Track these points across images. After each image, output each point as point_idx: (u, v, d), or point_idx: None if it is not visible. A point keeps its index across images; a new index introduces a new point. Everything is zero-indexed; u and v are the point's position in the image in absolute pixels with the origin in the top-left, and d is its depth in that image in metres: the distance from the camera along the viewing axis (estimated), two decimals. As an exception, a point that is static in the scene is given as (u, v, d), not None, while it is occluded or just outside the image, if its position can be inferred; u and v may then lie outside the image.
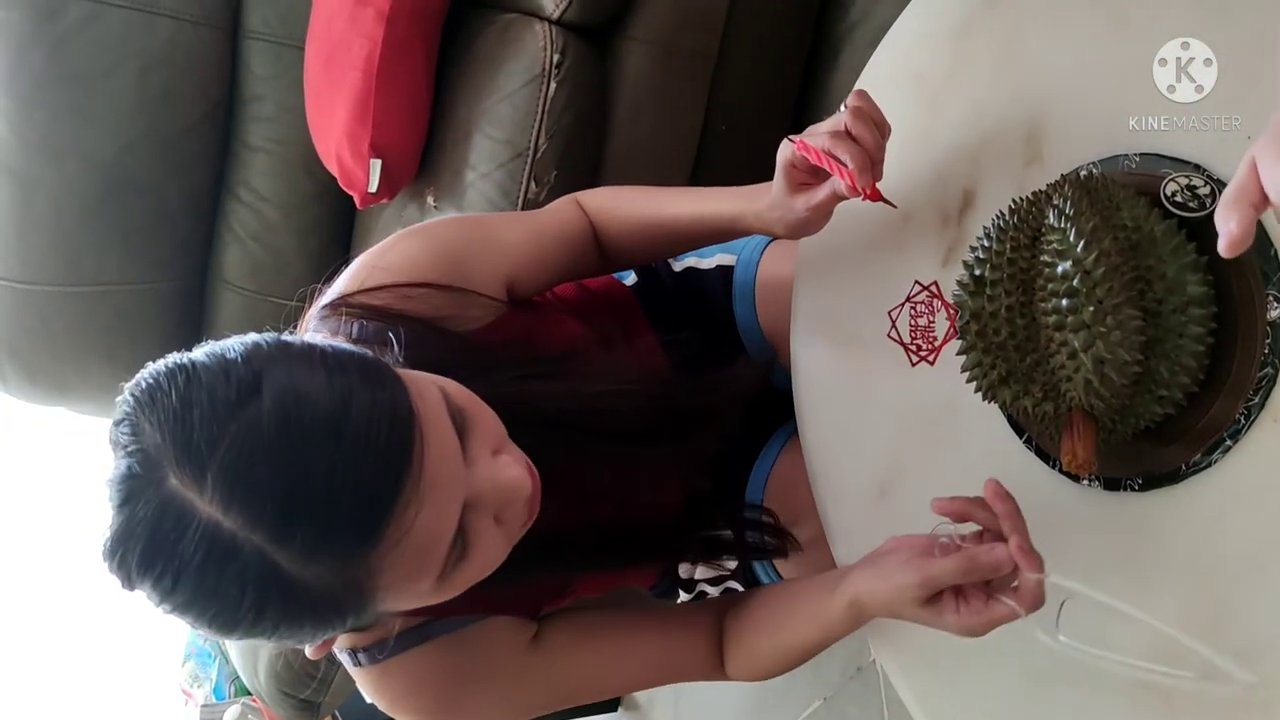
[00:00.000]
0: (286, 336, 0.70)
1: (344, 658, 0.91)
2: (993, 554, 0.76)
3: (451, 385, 0.75)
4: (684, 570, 1.15)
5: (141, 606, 0.72)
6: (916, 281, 0.88)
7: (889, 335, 0.88)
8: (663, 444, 0.96)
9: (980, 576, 0.77)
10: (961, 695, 0.90)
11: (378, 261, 0.92)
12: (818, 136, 0.87)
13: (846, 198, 0.88)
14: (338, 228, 1.88)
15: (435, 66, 1.58)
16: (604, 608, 1.03)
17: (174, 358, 0.67)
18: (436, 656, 0.90)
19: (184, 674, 2.31)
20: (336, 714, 1.90)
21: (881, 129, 0.86)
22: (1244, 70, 0.72)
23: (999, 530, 0.77)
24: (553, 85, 1.41)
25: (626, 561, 1.02)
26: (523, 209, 1.46)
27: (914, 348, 0.87)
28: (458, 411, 0.72)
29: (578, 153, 1.48)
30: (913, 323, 0.88)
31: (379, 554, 0.65)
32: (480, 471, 0.72)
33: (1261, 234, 0.70)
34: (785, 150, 0.91)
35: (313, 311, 0.91)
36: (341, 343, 0.74)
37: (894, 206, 0.88)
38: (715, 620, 1.03)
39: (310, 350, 0.68)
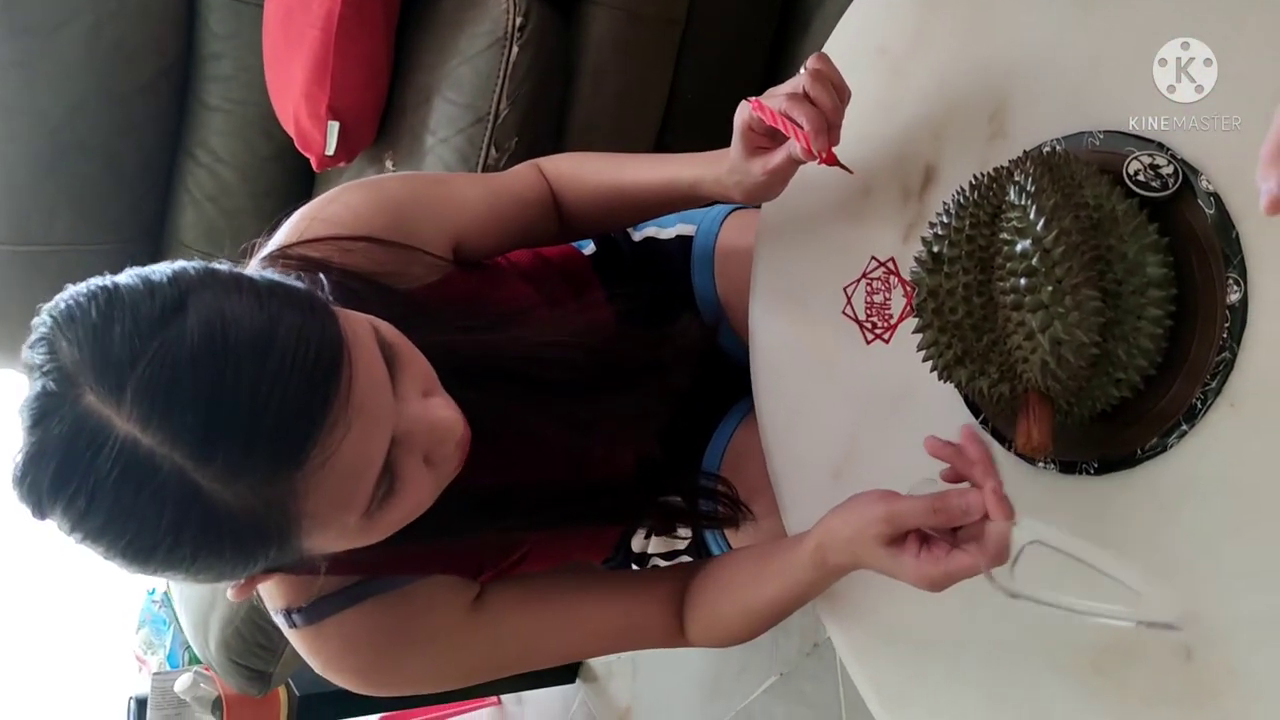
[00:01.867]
0: (215, 264, 0.68)
1: (279, 619, 0.89)
2: (964, 497, 0.74)
3: (383, 324, 0.73)
4: (637, 544, 1.14)
5: (96, 571, 0.69)
6: (873, 258, 0.86)
7: (844, 312, 0.86)
8: (607, 397, 0.94)
9: (948, 520, 0.74)
10: (913, 674, 0.89)
11: (319, 213, 0.90)
12: (775, 98, 0.85)
13: (803, 161, 0.87)
14: (296, 190, 1.84)
15: (395, 27, 1.54)
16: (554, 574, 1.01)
17: (96, 280, 0.65)
18: (373, 615, 0.88)
19: (138, 640, 2.28)
20: (289, 683, 1.88)
21: (841, 93, 0.85)
22: (1244, 70, 0.70)
23: (973, 479, 0.75)
24: (515, 49, 1.38)
25: (573, 522, 0.99)
26: (483, 175, 1.43)
27: (869, 325, 0.86)
28: (388, 347, 0.71)
29: (540, 119, 1.45)
30: (869, 299, 0.86)
31: (303, 476, 0.63)
32: (410, 409, 0.71)
33: (1223, 215, 0.69)
34: (743, 112, 0.89)
35: (253, 263, 0.87)
36: (272, 273, 0.71)
37: (850, 172, 0.87)
38: (673, 586, 1.02)
39: (239, 276, 0.66)
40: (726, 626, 0.98)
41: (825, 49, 0.98)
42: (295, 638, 0.89)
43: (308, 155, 1.56)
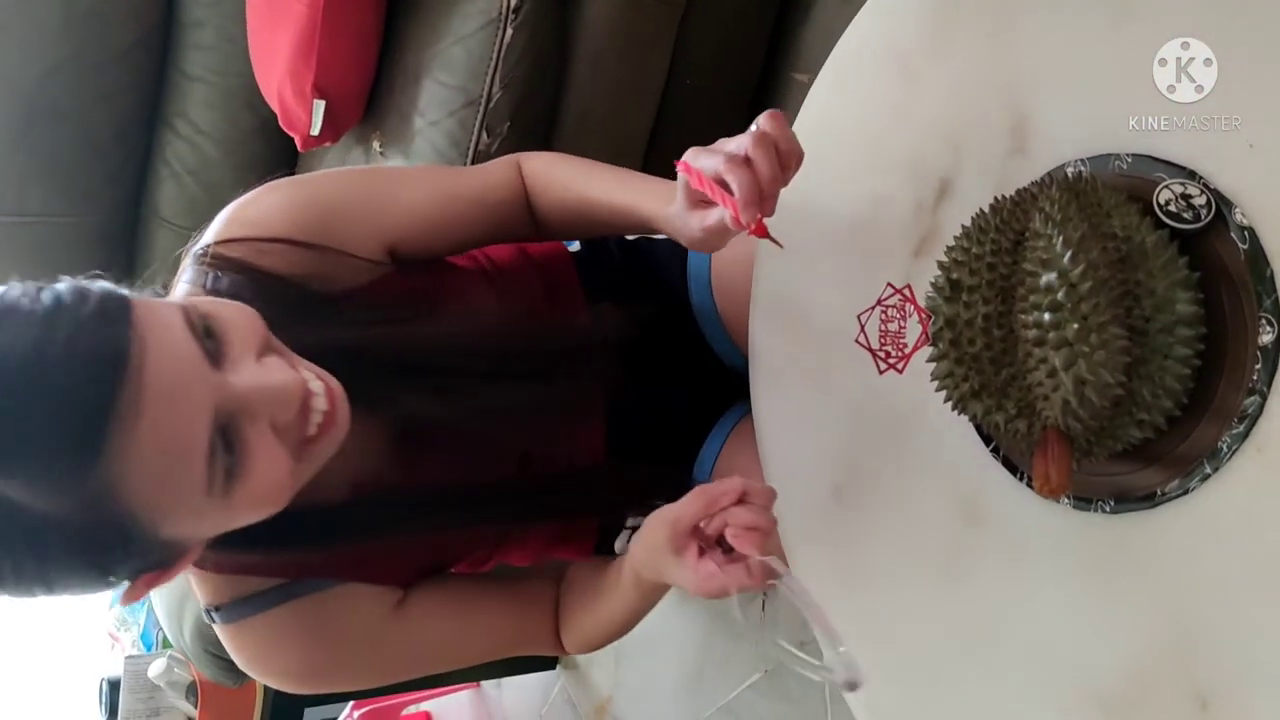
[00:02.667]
0: (11, 285, 0.70)
1: (205, 616, 0.91)
2: (722, 484, 0.80)
3: (202, 300, 0.75)
4: (619, 546, 1.12)
5: None
6: (889, 284, 0.82)
7: (857, 341, 0.83)
8: (519, 387, 0.95)
9: (715, 505, 0.80)
10: (915, 711, 0.87)
11: (239, 213, 0.91)
12: (715, 157, 0.80)
13: (732, 229, 0.82)
14: (279, 165, 1.79)
15: (385, 4, 1.49)
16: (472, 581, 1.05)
17: None
18: (294, 618, 0.89)
19: (111, 617, 2.25)
20: (264, 673, 1.85)
21: (785, 159, 0.79)
22: (1244, 70, 0.68)
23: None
24: (509, 31, 1.33)
25: (473, 522, 1.00)
26: (473, 161, 1.39)
27: (883, 354, 0.82)
28: (203, 319, 0.72)
29: (534, 104, 1.40)
30: (883, 328, 0.83)
31: (108, 468, 0.65)
32: (239, 377, 0.71)
33: (1257, 250, 0.66)
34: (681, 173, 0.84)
35: (186, 260, 0.90)
36: (98, 286, 0.72)
37: (780, 246, 0.81)
38: (554, 593, 1.04)
39: (21, 297, 0.68)
40: (588, 637, 1.03)
41: (836, 53, 0.94)
42: (220, 634, 0.91)
43: (292, 134, 1.52)
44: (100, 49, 1.64)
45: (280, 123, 1.54)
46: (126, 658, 1.91)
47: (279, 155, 1.77)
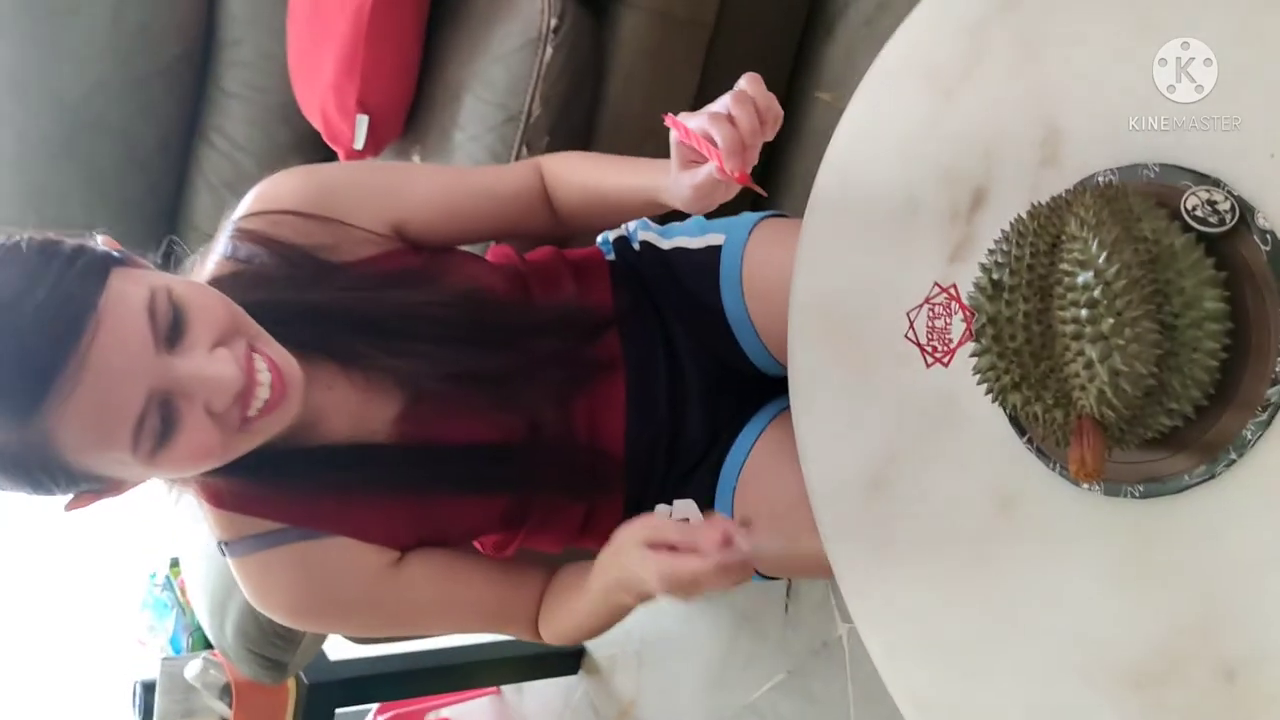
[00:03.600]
0: (21, 236, 0.82)
1: (217, 548, 1.02)
2: (705, 537, 0.87)
3: (180, 285, 0.85)
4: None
5: (100, 550, 0.90)
6: (936, 283, 0.87)
7: (906, 336, 0.88)
8: (483, 354, 1.04)
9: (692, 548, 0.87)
10: (947, 684, 0.91)
11: (261, 191, 1.06)
12: (700, 117, 0.90)
13: (720, 180, 0.92)
14: (314, 179, 1.84)
15: (426, 21, 1.54)
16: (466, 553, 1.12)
17: None
18: (288, 561, 1.00)
19: (140, 622, 2.28)
20: (300, 675, 1.89)
21: (763, 115, 0.89)
22: (1244, 70, 0.72)
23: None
24: (549, 50, 1.39)
25: (465, 487, 1.07)
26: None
27: (930, 349, 0.87)
28: (170, 307, 0.82)
29: (570, 120, 1.45)
30: (930, 324, 0.88)
31: (44, 423, 0.77)
32: (184, 364, 0.82)
33: (1279, 254, 0.71)
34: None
35: (221, 232, 1.04)
36: (97, 246, 0.86)
37: (763, 194, 0.91)
38: (544, 584, 1.11)
39: (29, 248, 0.81)
40: (563, 632, 1.09)
41: (874, 69, 0.99)
42: (230, 566, 1.02)
43: (335, 148, 1.57)
44: (143, 65, 1.69)
45: (324, 137, 1.59)
46: (163, 659, 1.94)
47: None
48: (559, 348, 1.10)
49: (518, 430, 1.07)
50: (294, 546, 0.99)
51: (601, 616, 1.05)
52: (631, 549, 0.91)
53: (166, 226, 1.89)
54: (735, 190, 0.95)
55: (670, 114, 0.93)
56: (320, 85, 1.52)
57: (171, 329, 0.83)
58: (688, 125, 0.91)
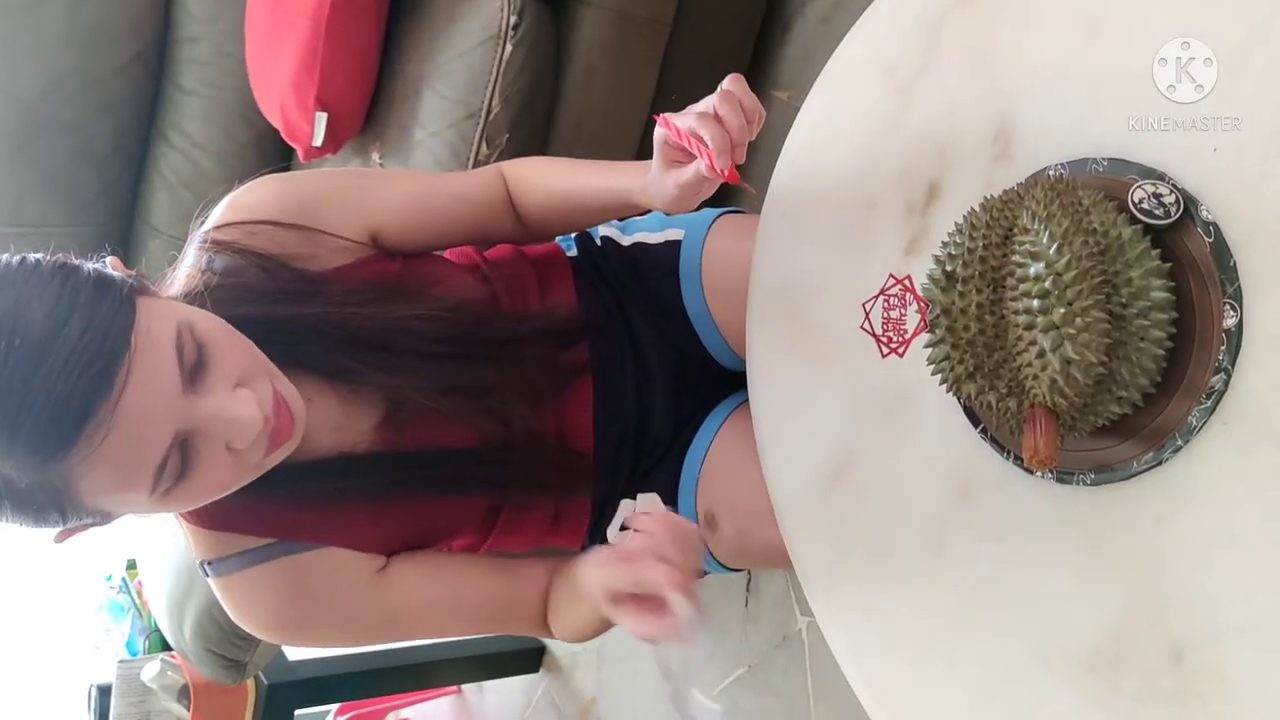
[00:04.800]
0: (46, 259, 0.78)
1: (199, 568, 1.00)
2: (651, 570, 0.84)
3: (203, 320, 0.82)
4: (613, 536, 1.17)
5: (54, 554, 0.85)
6: (891, 275, 0.89)
7: (862, 327, 0.90)
8: (471, 367, 1.03)
9: (638, 572, 0.85)
10: (904, 670, 0.92)
11: (235, 200, 1.02)
12: (687, 117, 0.92)
13: (709, 178, 0.93)
14: (273, 177, 1.83)
15: (386, 18, 1.54)
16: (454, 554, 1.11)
17: None
18: (276, 576, 0.97)
19: (95, 625, 2.26)
20: (260, 675, 1.88)
21: (749, 114, 0.91)
22: (1244, 70, 0.73)
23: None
24: (509, 47, 1.39)
25: (449, 490, 1.06)
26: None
27: (885, 339, 0.89)
28: (196, 347, 0.80)
29: (530, 117, 1.46)
30: (885, 315, 0.89)
31: (69, 467, 0.73)
32: (207, 404, 0.79)
33: (1221, 243, 0.73)
34: (659, 128, 0.95)
35: (190, 243, 1.00)
36: (110, 271, 0.81)
37: (753, 192, 0.93)
38: (548, 578, 1.09)
39: (53, 277, 0.76)
40: (569, 631, 1.07)
41: (830, 66, 1.01)
42: (211, 585, 1.00)
43: (294, 146, 1.56)
44: (101, 62, 1.68)
45: (283, 135, 1.58)
46: (119, 662, 1.92)
47: (272, 166, 1.81)
48: (541, 356, 1.10)
49: (495, 433, 1.07)
50: (281, 561, 0.97)
51: (605, 624, 1.02)
52: (601, 599, 0.89)
53: (124, 225, 1.87)
54: (714, 190, 0.97)
55: (661, 115, 0.94)
56: (279, 83, 1.51)
57: (194, 367, 0.80)
58: (678, 125, 0.93)
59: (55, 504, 0.77)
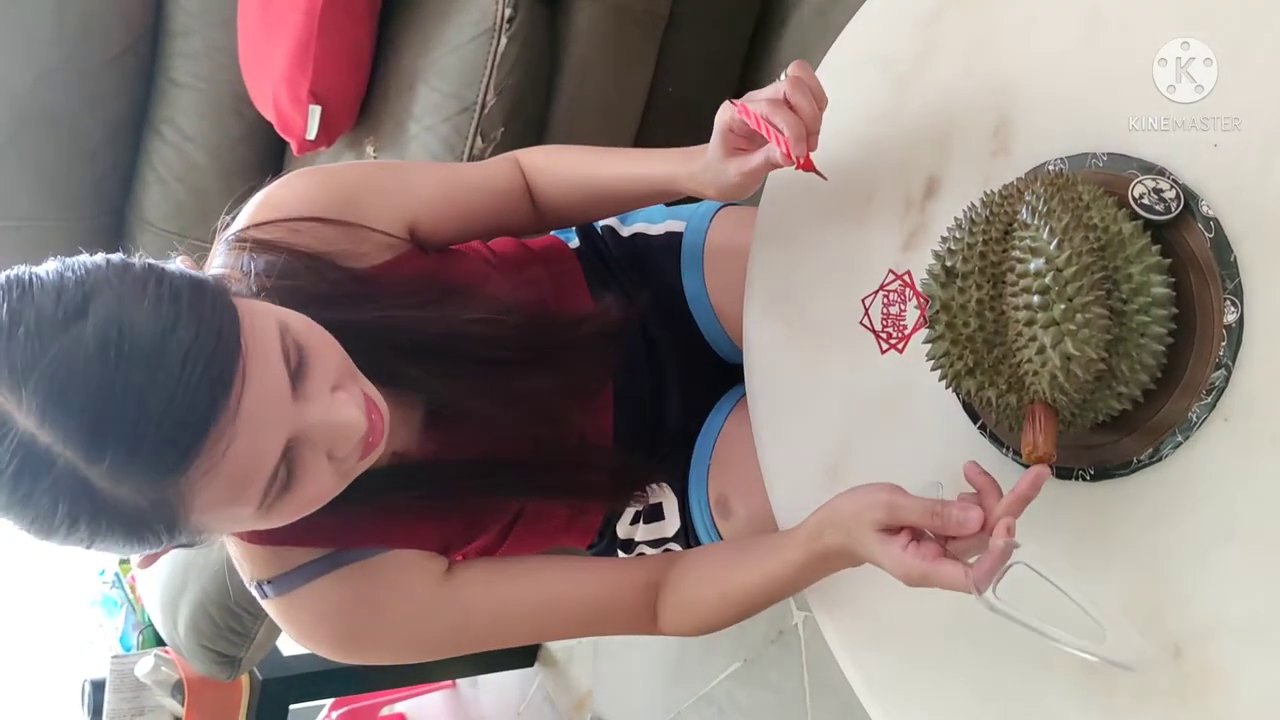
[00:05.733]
0: (131, 259, 0.72)
1: (253, 590, 0.93)
2: (965, 511, 0.75)
3: (296, 321, 0.77)
4: (623, 531, 1.17)
5: (47, 549, 0.75)
6: (890, 271, 0.89)
7: (862, 322, 0.89)
8: (531, 374, 0.99)
9: (944, 527, 0.76)
10: (903, 667, 0.92)
11: (270, 197, 0.96)
12: (757, 103, 0.89)
13: (780, 166, 0.90)
14: (265, 170, 1.81)
15: (379, 11, 1.53)
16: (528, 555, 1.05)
17: (16, 270, 0.70)
18: (341, 587, 0.92)
19: (88, 620, 2.25)
20: (254, 670, 1.87)
21: (819, 100, 0.88)
22: (1244, 70, 0.73)
23: (989, 507, 0.76)
24: (503, 40, 1.38)
25: (510, 493, 1.03)
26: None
27: (884, 335, 0.88)
28: (297, 349, 0.75)
29: (526, 110, 1.45)
30: (885, 311, 0.89)
31: (187, 481, 0.67)
32: (313, 410, 0.74)
33: (1222, 238, 0.73)
34: (725, 113, 0.92)
35: (218, 244, 0.93)
36: (190, 270, 0.76)
37: (824, 179, 0.90)
38: (649, 575, 1.03)
39: (148, 277, 0.70)
40: (702, 613, 1.01)
41: (828, 59, 1.00)
42: (269, 607, 0.93)
43: (288, 139, 1.55)
44: (91, 55, 1.67)
45: (276, 128, 1.57)
46: (112, 657, 1.91)
47: (265, 161, 1.81)
48: (596, 359, 1.07)
49: (547, 438, 1.04)
50: (349, 569, 0.92)
51: (786, 590, 0.94)
52: (866, 533, 0.80)
53: (115, 219, 1.86)
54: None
55: (737, 101, 0.91)
56: (272, 76, 1.50)
57: (297, 370, 0.75)
58: (753, 111, 0.89)
59: (166, 524, 0.70)
